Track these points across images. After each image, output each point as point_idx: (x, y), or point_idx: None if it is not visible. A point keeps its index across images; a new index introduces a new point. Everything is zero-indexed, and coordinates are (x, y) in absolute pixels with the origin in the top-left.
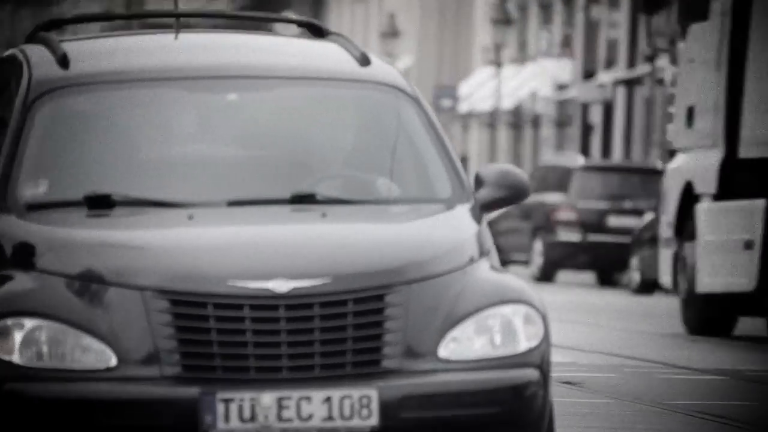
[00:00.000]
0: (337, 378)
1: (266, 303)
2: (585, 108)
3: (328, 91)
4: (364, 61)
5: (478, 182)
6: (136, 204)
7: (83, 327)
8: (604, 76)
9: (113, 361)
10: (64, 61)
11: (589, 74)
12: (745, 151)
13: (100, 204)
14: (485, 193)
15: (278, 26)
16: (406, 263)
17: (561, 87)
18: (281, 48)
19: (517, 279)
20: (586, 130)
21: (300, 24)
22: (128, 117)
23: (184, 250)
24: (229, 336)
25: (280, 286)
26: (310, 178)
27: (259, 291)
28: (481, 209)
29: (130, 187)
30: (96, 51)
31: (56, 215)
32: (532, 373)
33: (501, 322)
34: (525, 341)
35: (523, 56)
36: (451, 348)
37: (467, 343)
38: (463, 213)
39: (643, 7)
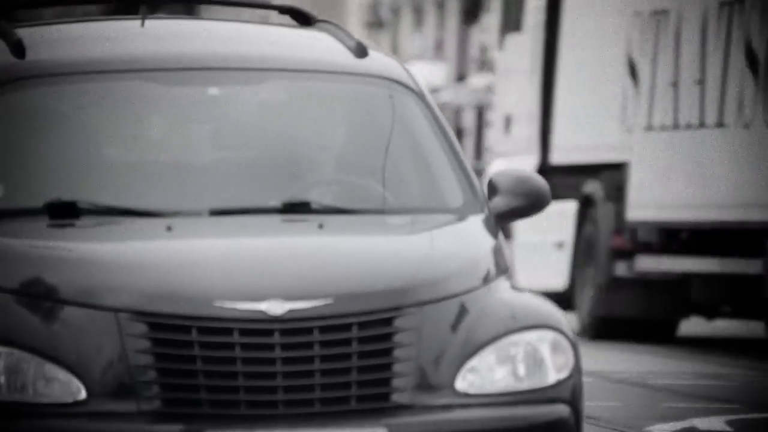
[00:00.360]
0: (340, 414)
1: (259, 327)
2: (457, 112)
3: (321, 85)
4: (360, 52)
5: (492, 190)
6: (106, 213)
7: (47, 354)
8: (477, 80)
9: (82, 393)
10: (18, 49)
11: (461, 78)
12: (557, 157)
13: (63, 213)
14: (500, 202)
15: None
16: (417, 282)
17: (433, 90)
18: (266, 37)
19: (542, 300)
20: (459, 133)
21: (282, 10)
22: (94, 113)
23: (162, 267)
24: (216, 365)
25: (275, 307)
26: (302, 184)
27: (251, 313)
28: (496, 220)
29: (98, 194)
30: (55, 38)
31: (13, 226)
32: (562, 410)
33: (525, 350)
34: (553, 372)
35: None
36: (469, 380)
37: (488, 375)
38: (477, 225)
39: (461, 17)
